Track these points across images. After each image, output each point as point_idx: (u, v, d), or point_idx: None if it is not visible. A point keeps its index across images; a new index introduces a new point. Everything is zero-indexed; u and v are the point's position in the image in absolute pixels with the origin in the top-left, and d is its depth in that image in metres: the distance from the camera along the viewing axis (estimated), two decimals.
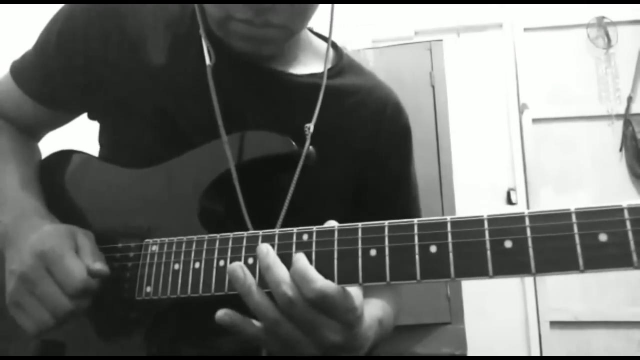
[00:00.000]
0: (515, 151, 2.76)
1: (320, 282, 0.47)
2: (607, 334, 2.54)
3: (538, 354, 2.53)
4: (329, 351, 0.50)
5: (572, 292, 2.60)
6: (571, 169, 2.71)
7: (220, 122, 0.65)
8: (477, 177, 2.73)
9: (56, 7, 0.75)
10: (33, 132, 0.83)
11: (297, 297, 0.47)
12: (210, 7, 0.65)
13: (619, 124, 2.69)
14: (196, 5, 0.71)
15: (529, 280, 2.62)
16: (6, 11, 1.94)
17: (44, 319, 0.57)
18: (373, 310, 0.63)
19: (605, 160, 2.69)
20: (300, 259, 0.49)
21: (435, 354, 2.27)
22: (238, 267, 0.50)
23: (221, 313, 0.50)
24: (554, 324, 2.57)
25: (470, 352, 2.36)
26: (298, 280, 0.48)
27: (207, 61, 0.67)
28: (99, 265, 0.59)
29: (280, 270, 0.49)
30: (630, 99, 2.69)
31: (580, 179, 2.69)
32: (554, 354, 2.52)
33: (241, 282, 0.50)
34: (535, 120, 2.76)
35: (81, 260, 0.58)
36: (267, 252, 0.50)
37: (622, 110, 2.69)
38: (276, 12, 0.61)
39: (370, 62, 2.56)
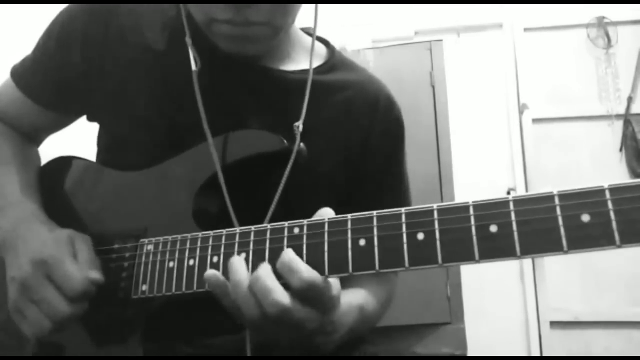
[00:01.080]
0: (515, 151, 2.75)
1: (307, 272, 0.49)
2: (607, 334, 2.53)
3: (538, 354, 2.52)
4: (303, 337, 0.52)
5: (572, 292, 2.59)
6: (571, 169, 2.70)
7: (205, 125, 0.65)
8: (477, 177, 2.72)
9: (55, 9, 0.76)
10: (33, 135, 0.83)
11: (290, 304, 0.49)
12: (194, 12, 0.66)
13: (619, 124, 2.69)
14: (182, 10, 0.71)
15: (528, 279, 2.62)
16: (6, 15, 1.96)
17: (42, 324, 0.59)
18: (352, 297, 0.64)
19: (605, 160, 2.69)
20: (288, 252, 0.51)
21: (435, 354, 2.27)
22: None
23: (211, 272, 0.52)
24: (554, 324, 2.56)
25: (470, 352, 2.36)
26: (285, 271, 0.49)
27: (193, 66, 0.68)
28: (94, 274, 0.60)
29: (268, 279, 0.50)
30: (630, 99, 2.68)
31: (580, 179, 2.68)
32: (554, 354, 2.51)
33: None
34: (535, 120, 2.76)
35: (79, 265, 0.60)
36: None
37: (622, 110, 2.69)
38: (255, 9, 0.61)
39: (370, 62, 2.57)
